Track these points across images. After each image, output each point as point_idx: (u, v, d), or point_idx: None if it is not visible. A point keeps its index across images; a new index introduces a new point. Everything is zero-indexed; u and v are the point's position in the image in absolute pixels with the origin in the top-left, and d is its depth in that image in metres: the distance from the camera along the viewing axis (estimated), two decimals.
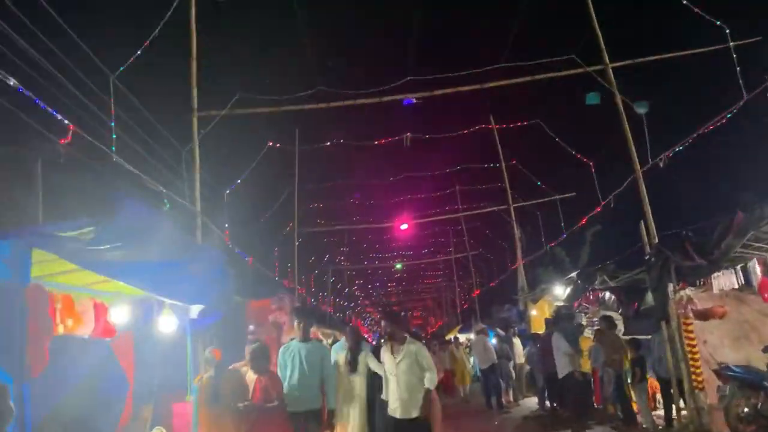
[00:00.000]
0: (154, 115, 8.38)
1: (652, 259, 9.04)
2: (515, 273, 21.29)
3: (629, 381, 9.87)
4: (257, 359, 5.81)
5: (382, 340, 5.63)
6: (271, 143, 12.03)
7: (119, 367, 7.69)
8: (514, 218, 18.59)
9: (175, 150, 9.27)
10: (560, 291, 14.52)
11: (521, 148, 16.29)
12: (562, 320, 11.46)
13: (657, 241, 9.70)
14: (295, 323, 5.91)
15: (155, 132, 8.85)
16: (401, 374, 5.10)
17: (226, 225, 11.19)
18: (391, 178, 16.76)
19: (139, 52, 7.11)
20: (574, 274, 13.47)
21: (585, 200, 13.25)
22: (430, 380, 5.07)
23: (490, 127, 13.87)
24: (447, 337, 22.52)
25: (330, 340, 23.56)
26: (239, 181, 11.42)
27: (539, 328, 15.34)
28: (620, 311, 10.75)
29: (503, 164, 17.25)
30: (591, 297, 12.25)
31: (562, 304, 14.78)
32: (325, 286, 26.44)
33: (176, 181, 9.41)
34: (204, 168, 10.42)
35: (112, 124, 6.65)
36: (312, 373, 5.66)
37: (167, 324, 6.78)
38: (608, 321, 10.22)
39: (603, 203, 11.45)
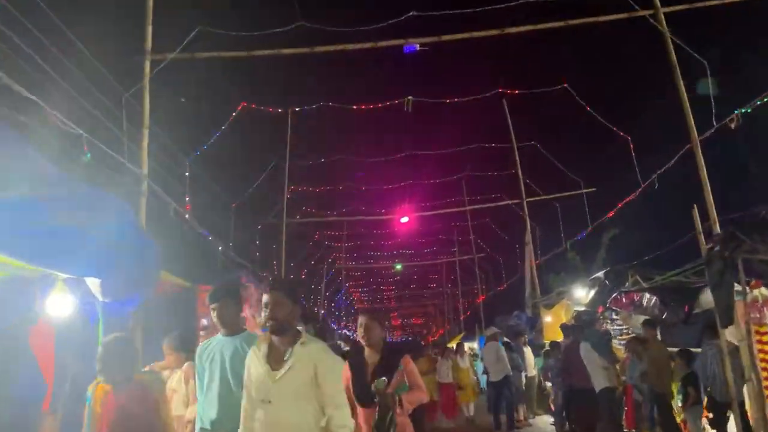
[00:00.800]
0: (79, 37, 6.50)
1: (716, 248, 7.11)
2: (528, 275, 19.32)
3: (679, 403, 7.90)
4: (108, 361, 3.76)
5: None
6: (245, 103, 10.11)
7: (35, 368, 5.77)
8: (526, 212, 16.58)
9: (114, 93, 7.38)
10: (582, 293, 12.55)
11: (542, 122, 14.02)
12: (587, 327, 9.47)
13: (718, 226, 7.76)
14: (211, 308, 3.85)
15: (86, 67, 6.99)
16: (279, 401, 2.73)
17: (187, 198, 9.28)
18: (386, 157, 14.61)
19: None
20: (600, 274, 11.50)
21: (618, 186, 11.22)
22: (339, 425, 2.71)
23: (507, 92, 11.79)
24: (449, 345, 20.49)
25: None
26: (205, 147, 9.53)
27: (553, 336, 13.47)
28: (664, 316, 8.76)
29: (515, 144, 15.16)
30: (623, 300, 10.30)
31: (582, 309, 12.82)
32: (318, 286, 24.43)
33: (118, 134, 7.51)
34: (158, 125, 8.54)
35: None
36: (240, 385, 3.54)
37: (59, 306, 4.85)
38: (653, 328, 8.25)
39: (644, 185, 9.42)
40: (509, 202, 17.57)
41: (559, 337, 11.98)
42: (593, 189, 16.23)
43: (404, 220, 17.29)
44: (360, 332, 3.73)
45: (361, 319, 3.77)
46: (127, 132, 7.46)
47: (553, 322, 14.51)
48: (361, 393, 3.52)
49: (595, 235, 13.59)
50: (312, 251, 20.55)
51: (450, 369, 12.59)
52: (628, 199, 10.23)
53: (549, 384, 13.73)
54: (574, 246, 19.29)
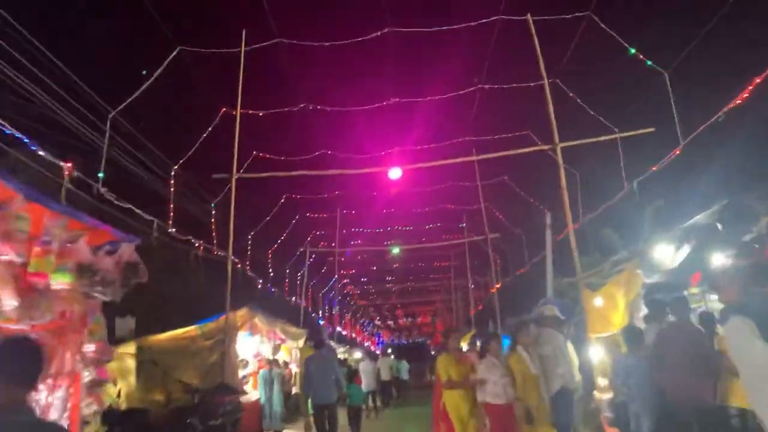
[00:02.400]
0: None
1: None
2: (561, 249, 14.86)
3: None
4: None
5: None
6: None
7: None
8: (560, 155, 12.07)
9: None
10: (665, 254, 8.03)
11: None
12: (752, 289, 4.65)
13: None
14: None
15: None
16: None
17: None
18: (355, 38, 9.98)
19: None
20: (702, 215, 7.00)
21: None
22: None
23: None
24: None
25: (300, 343, 17.30)
26: None
27: (600, 329, 9.22)
28: None
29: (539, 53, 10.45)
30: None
31: (656, 280, 8.35)
32: (297, 272, 20.05)
33: None
34: None
35: None
36: None
37: None
38: None
39: None
40: (537, 148, 13.06)
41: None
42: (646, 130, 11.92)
43: (395, 174, 12.81)
44: None
45: None
46: None
47: (605, 307, 9.98)
48: None
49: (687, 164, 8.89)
50: (281, 223, 16.03)
51: (503, 377, 6.57)
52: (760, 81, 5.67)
53: (599, 396, 9.34)
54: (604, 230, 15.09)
